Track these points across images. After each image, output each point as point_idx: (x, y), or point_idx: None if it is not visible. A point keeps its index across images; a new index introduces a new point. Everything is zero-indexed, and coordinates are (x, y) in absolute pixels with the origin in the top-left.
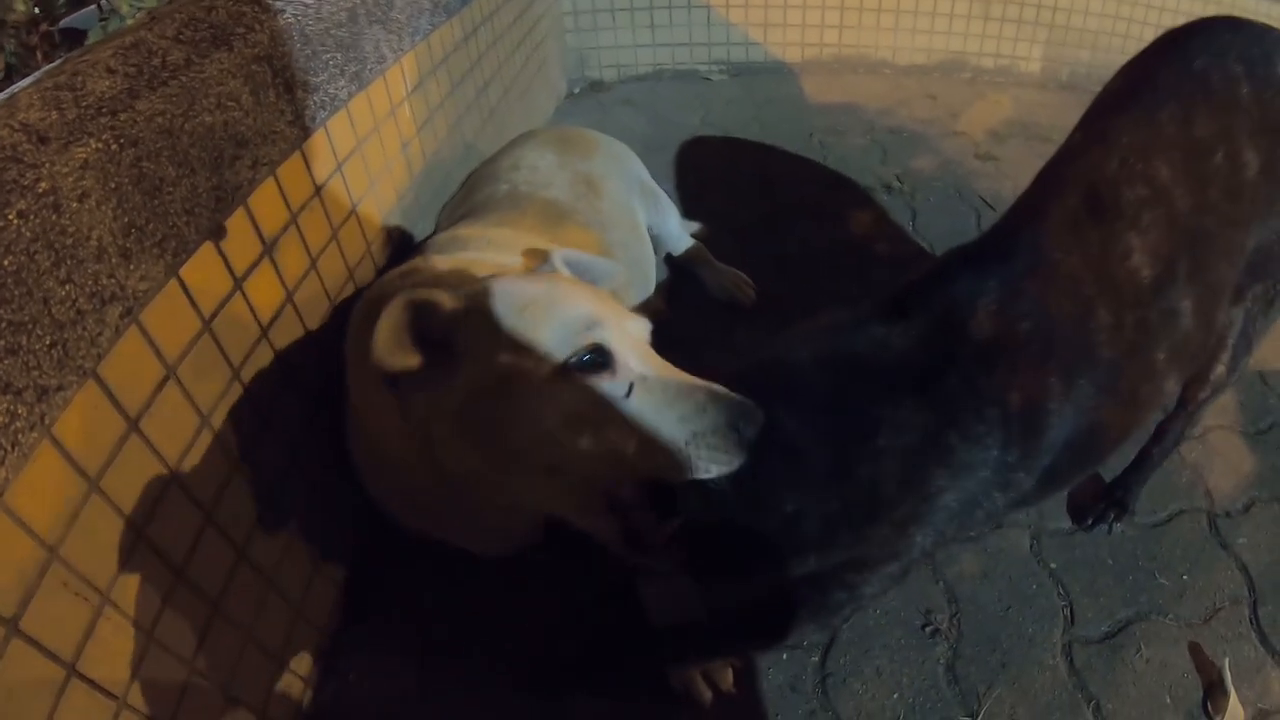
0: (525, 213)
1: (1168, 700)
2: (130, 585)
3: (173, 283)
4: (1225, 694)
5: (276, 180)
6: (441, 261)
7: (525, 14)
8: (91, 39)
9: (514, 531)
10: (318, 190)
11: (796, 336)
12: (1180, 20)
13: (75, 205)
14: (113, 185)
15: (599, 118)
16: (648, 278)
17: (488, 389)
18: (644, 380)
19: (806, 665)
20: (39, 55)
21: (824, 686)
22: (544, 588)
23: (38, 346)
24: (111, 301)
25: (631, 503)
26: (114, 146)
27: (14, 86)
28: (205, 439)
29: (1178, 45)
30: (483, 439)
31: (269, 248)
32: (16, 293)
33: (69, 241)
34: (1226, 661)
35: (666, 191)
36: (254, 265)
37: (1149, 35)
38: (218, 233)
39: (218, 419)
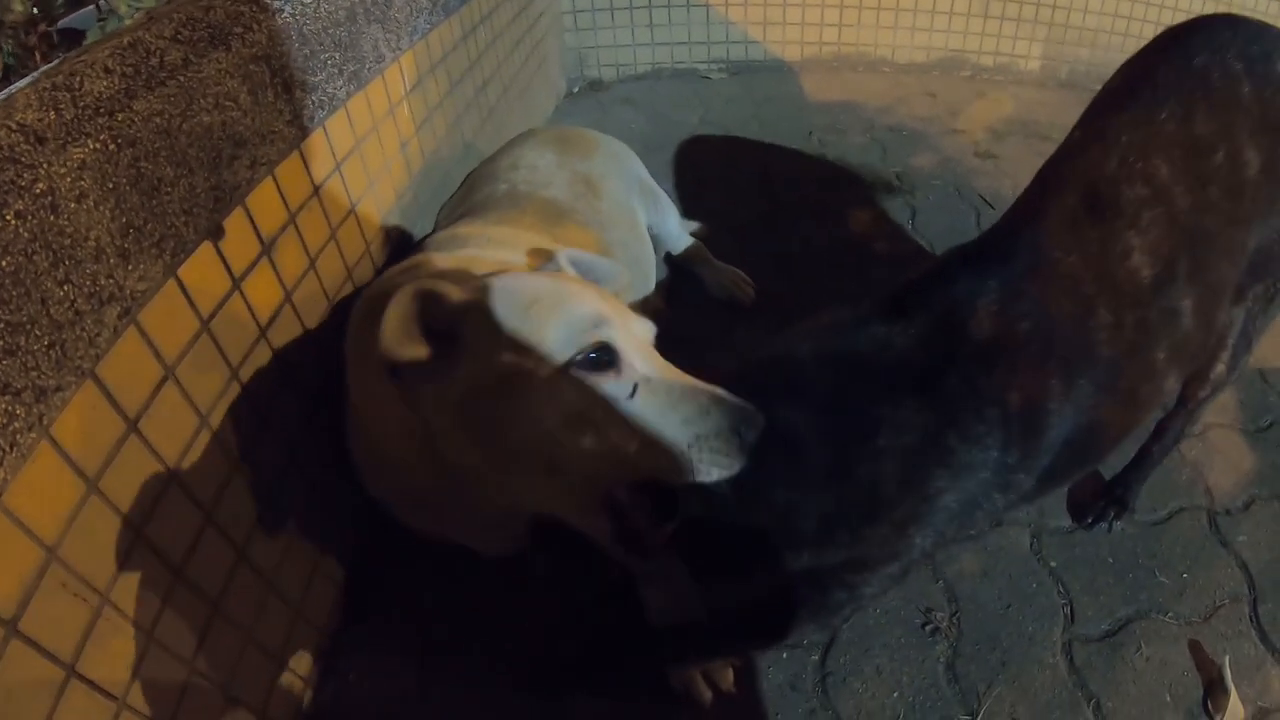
0: (525, 212)
1: (1168, 698)
2: (129, 586)
3: (171, 283)
4: (1225, 692)
5: (275, 180)
6: (444, 258)
7: (524, 13)
8: (90, 39)
9: (514, 531)
10: (316, 190)
11: (797, 335)
12: (1180, 18)
13: (73, 206)
14: (110, 185)
15: (598, 117)
16: (647, 277)
17: (490, 383)
18: (648, 382)
19: (806, 664)
20: (37, 56)
21: (824, 685)
22: (544, 588)
23: (36, 347)
24: (110, 302)
25: (628, 504)
26: (112, 147)
27: (12, 87)
28: (204, 439)
29: (1177, 43)
30: (484, 434)
31: (267, 247)
32: (14, 293)
33: (67, 242)
34: (1227, 659)
35: (666, 190)
36: (252, 265)
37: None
38: (216, 233)
39: (216, 419)
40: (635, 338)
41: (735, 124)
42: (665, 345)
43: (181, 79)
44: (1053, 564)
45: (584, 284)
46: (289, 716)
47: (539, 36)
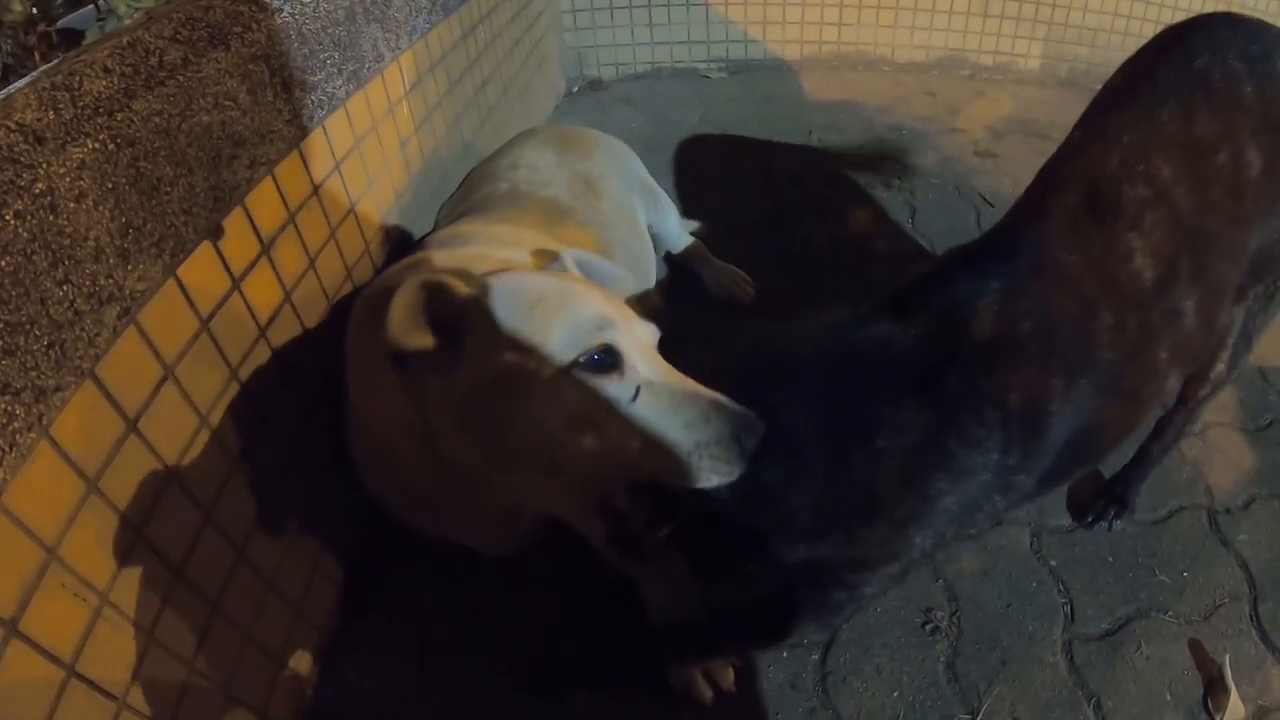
0: (526, 211)
1: (1168, 697)
2: (129, 585)
3: (170, 282)
4: (1225, 691)
5: (274, 180)
6: (446, 256)
7: (523, 12)
8: (89, 39)
9: (514, 530)
10: (316, 189)
11: (800, 330)
12: (1179, 17)
13: (72, 205)
14: (110, 185)
15: (598, 116)
16: (648, 276)
17: (492, 381)
18: (650, 385)
19: (807, 663)
20: (36, 56)
21: (824, 685)
22: (544, 588)
23: (35, 347)
24: (109, 302)
25: (625, 507)
26: (111, 146)
27: (11, 87)
28: (203, 438)
29: (1178, 43)
30: (484, 433)
31: (267, 247)
32: (14, 293)
33: (66, 242)
34: (1227, 658)
35: (665, 190)
36: (252, 265)
37: (1148, 32)
38: (215, 232)
39: (216, 418)
40: (639, 341)
41: (735, 123)
42: (665, 345)
43: (181, 79)
44: (1053, 563)
45: (589, 285)
46: (289, 716)
47: (538, 36)
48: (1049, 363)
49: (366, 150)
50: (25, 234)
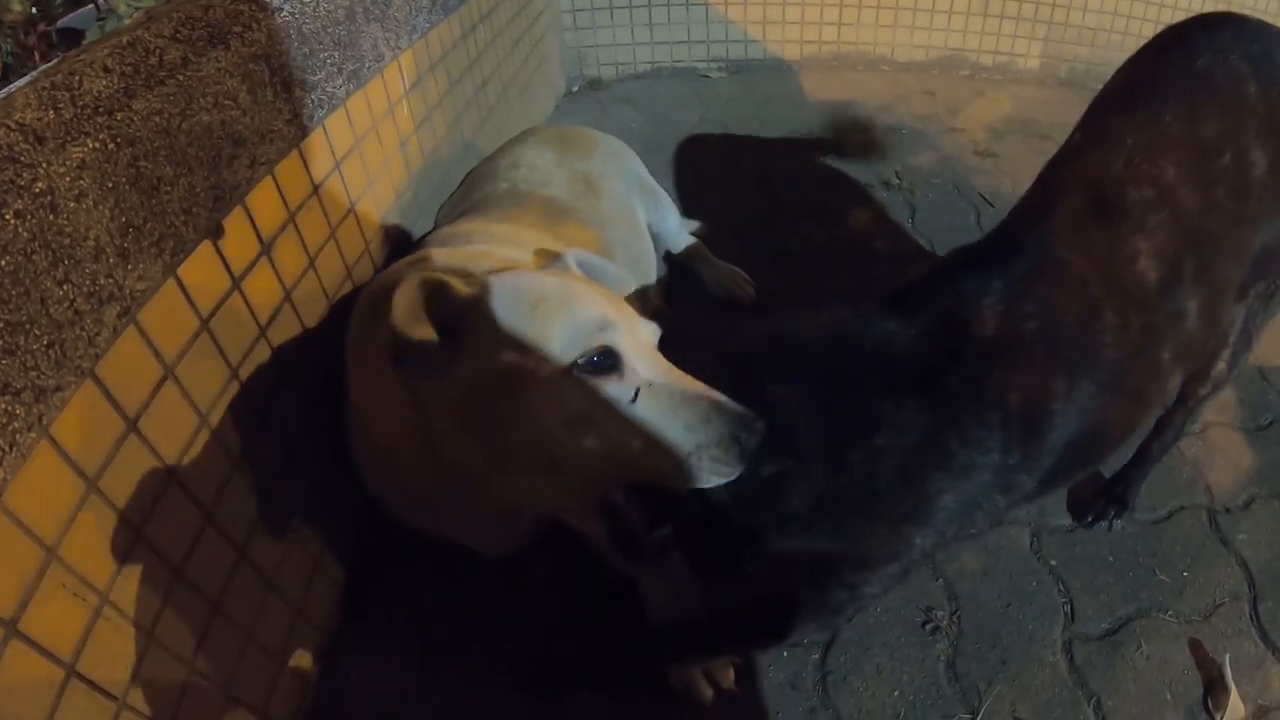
0: (526, 210)
1: (1168, 697)
2: (130, 585)
3: (171, 282)
4: (1226, 690)
5: (274, 179)
6: (447, 254)
7: (523, 11)
8: (89, 39)
9: (514, 530)
10: (316, 189)
11: (801, 327)
12: (1179, 17)
13: (72, 205)
14: (110, 185)
15: (598, 116)
16: (648, 275)
17: (492, 381)
18: (650, 386)
19: (807, 663)
20: (36, 55)
21: (824, 684)
22: (544, 588)
23: (35, 346)
24: (109, 301)
25: (624, 507)
26: (111, 146)
27: (11, 86)
28: (203, 438)
29: (1180, 43)
30: (484, 433)
31: (267, 247)
32: (14, 293)
33: (66, 241)
34: (1227, 658)
35: (665, 189)
36: (252, 264)
37: (1148, 31)
38: (216, 232)
39: (216, 418)
40: (639, 341)
41: (735, 123)
42: (665, 343)
43: (181, 78)
44: (1053, 563)
45: (589, 284)
46: (289, 716)
47: (538, 35)
48: (1051, 363)
49: (366, 150)
50: (25, 233)
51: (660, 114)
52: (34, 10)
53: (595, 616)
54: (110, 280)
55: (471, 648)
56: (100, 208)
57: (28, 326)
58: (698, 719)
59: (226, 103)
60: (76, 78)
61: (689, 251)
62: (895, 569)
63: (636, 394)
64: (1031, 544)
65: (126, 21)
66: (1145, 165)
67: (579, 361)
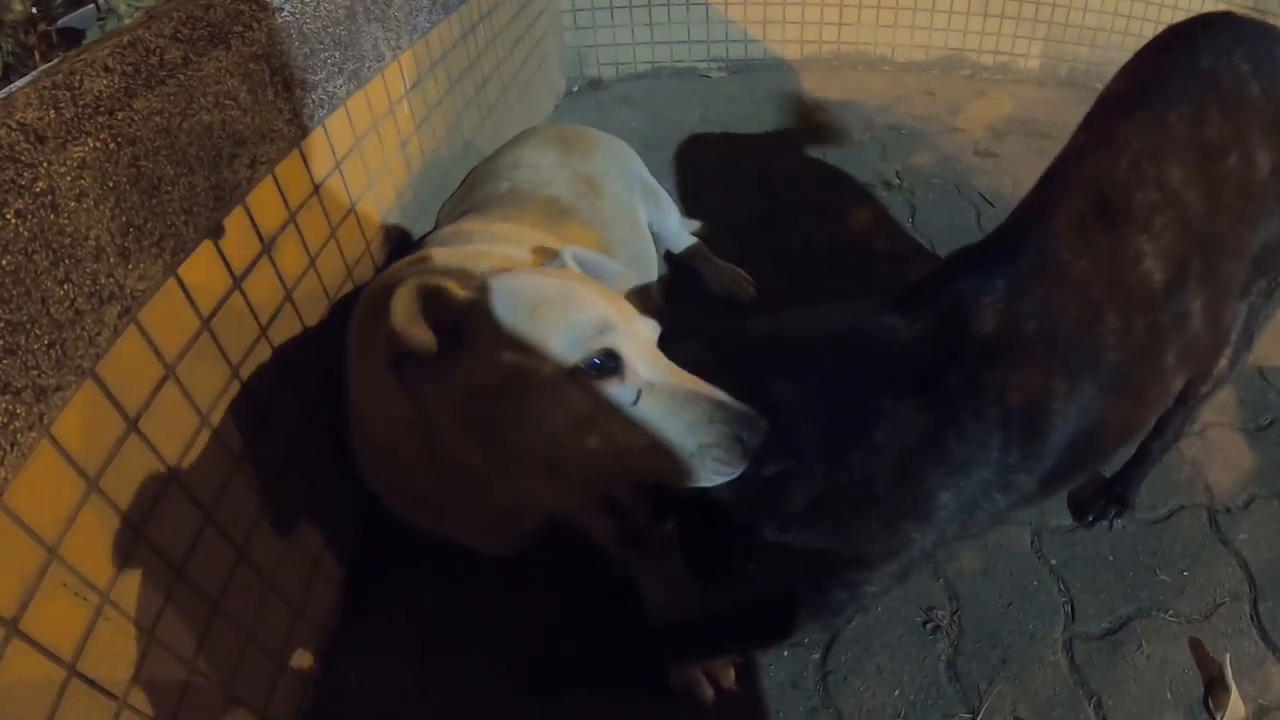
0: (527, 210)
1: (1168, 696)
2: (130, 585)
3: (171, 282)
4: (1226, 690)
5: (275, 179)
6: (448, 253)
7: (523, 11)
8: (89, 38)
9: (514, 530)
10: (316, 189)
11: (802, 324)
12: (1180, 17)
13: (73, 204)
14: (110, 184)
15: (598, 115)
16: (649, 275)
17: (493, 384)
18: (652, 387)
19: (808, 662)
20: (36, 55)
21: (825, 684)
22: (544, 588)
23: (36, 346)
24: (110, 301)
25: (629, 504)
26: (112, 145)
27: (12, 86)
28: (204, 438)
29: (1182, 44)
30: (485, 434)
31: (267, 246)
32: (15, 292)
33: (67, 241)
34: (1227, 657)
35: (666, 189)
36: (253, 264)
37: (1149, 31)
38: (216, 231)
39: (217, 418)
40: (640, 340)
41: (735, 122)
42: (665, 342)
43: (181, 78)
44: (1053, 562)
45: (588, 283)
46: (289, 716)
47: (538, 35)
48: (1051, 363)
49: (367, 149)
50: (26, 233)
51: (660, 114)
52: (34, 10)
53: (595, 616)
54: (111, 280)
55: (471, 648)
56: (101, 207)
57: (28, 326)
58: (698, 719)
59: (227, 102)
60: (77, 77)
61: (690, 251)
62: (895, 568)
63: (638, 395)
64: (1032, 543)
65: (127, 21)
66: (1149, 168)
67: (581, 364)
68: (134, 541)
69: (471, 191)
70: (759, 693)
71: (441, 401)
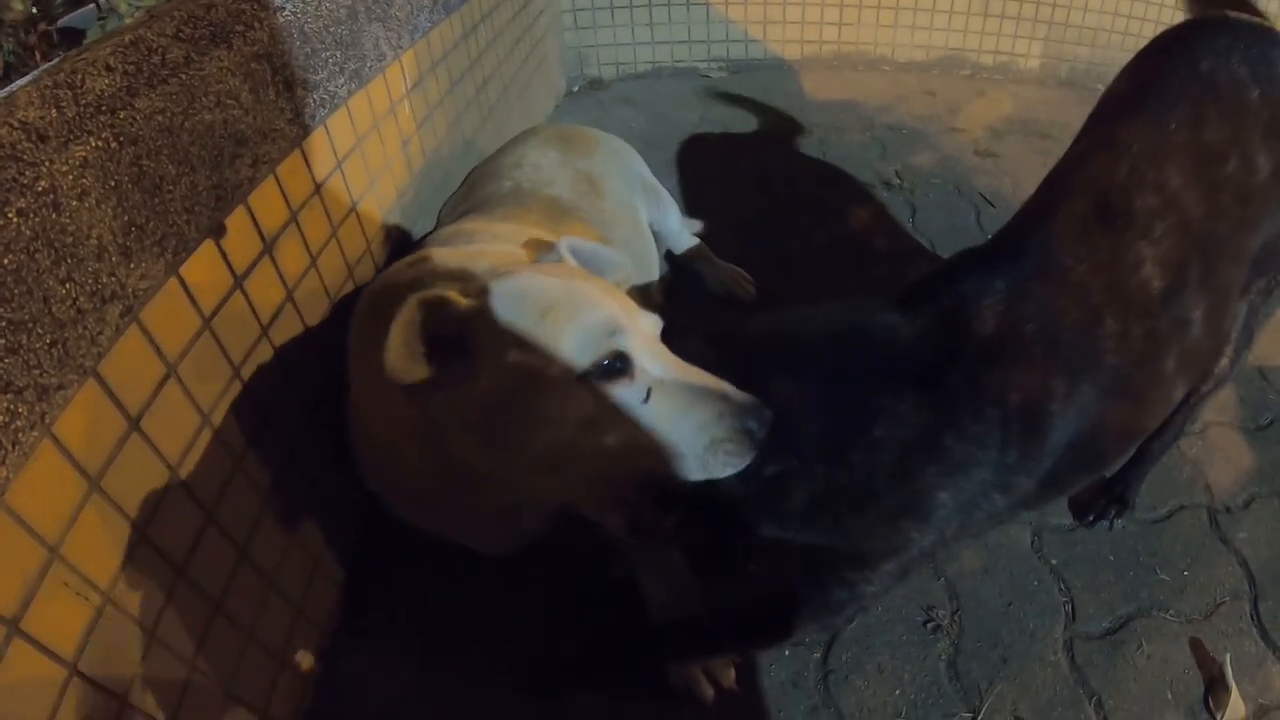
0: (529, 209)
1: (1169, 696)
2: (132, 584)
3: (173, 281)
4: (1226, 689)
5: (276, 178)
6: (448, 253)
7: (524, 11)
8: (90, 38)
9: (514, 530)
10: (318, 188)
11: (804, 321)
12: (1180, 17)
13: (75, 204)
14: (112, 183)
15: (598, 115)
16: (650, 274)
17: (501, 390)
18: (661, 384)
19: (808, 662)
20: (37, 55)
21: (826, 683)
22: (544, 588)
23: (38, 345)
24: (112, 300)
25: (637, 497)
26: (113, 145)
27: (13, 85)
28: (206, 437)
29: (1180, 46)
30: (496, 437)
31: (269, 246)
32: (16, 291)
33: (69, 240)
34: (1227, 657)
35: (666, 189)
36: (254, 263)
37: (1148, 31)
38: (218, 231)
39: (218, 417)
40: (644, 335)
41: (735, 122)
42: (666, 341)
43: (183, 77)
44: (1054, 562)
45: (590, 280)
46: (290, 715)
47: (539, 35)
48: (1051, 365)
49: (368, 149)
50: (28, 232)
51: (660, 113)
52: (35, 9)
53: (595, 616)
54: (113, 279)
55: (471, 648)
56: (103, 206)
57: (30, 325)
58: (698, 718)
59: (229, 102)
60: (79, 76)
61: (690, 251)
62: (895, 567)
63: (648, 394)
64: (1032, 543)
65: (128, 20)
66: (1149, 171)
67: (591, 367)
68: (135, 541)
69: (473, 191)
70: (759, 692)
71: (449, 408)
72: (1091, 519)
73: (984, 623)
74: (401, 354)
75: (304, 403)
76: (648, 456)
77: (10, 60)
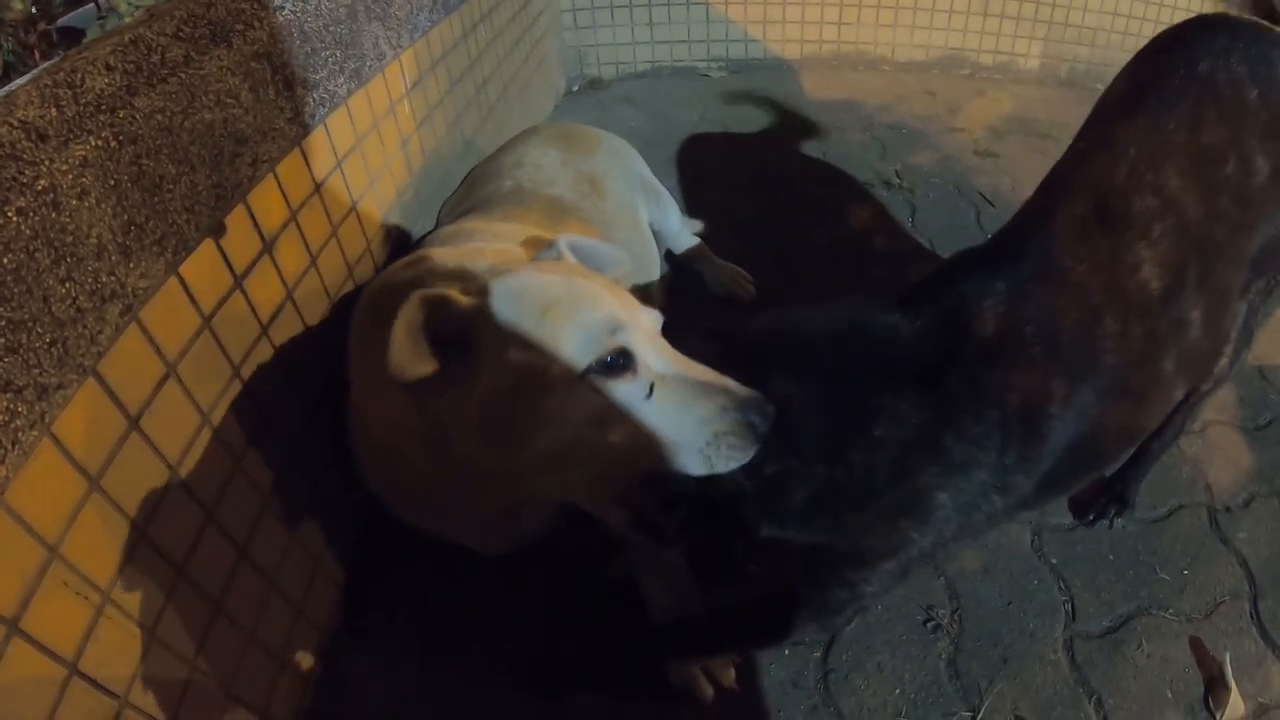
0: (530, 209)
1: (1169, 695)
2: (132, 584)
3: (173, 280)
4: (1226, 688)
5: (276, 178)
6: (448, 252)
7: (524, 11)
8: (90, 37)
9: (514, 530)
10: (317, 187)
11: (805, 320)
12: (1180, 17)
13: (75, 203)
14: (112, 183)
15: (598, 115)
16: (650, 274)
17: (504, 389)
18: (663, 380)
19: (808, 661)
20: (36, 54)
21: (826, 682)
22: (544, 588)
23: (38, 344)
24: (111, 299)
25: (641, 495)
26: (113, 144)
27: (13, 84)
28: (206, 437)
29: (1179, 46)
30: (498, 435)
31: (269, 245)
32: (16, 290)
33: (68, 239)
34: (1227, 656)
35: (666, 188)
36: (254, 263)
37: (1148, 31)
38: (218, 230)
39: (218, 417)
40: (645, 331)
41: (735, 122)
42: (667, 338)
43: (183, 76)
44: (1054, 561)
45: (590, 277)
46: (290, 715)
47: (539, 35)
48: (1051, 366)
49: (368, 148)
50: (28, 231)
51: (660, 113)
52: (34, 9)
53: (595, 616)
54: (112, 278)
55: (471, 648)
56: (102, 205)
57: (30, 324)
58: (698, 718)
59: (228, 101)
60: (79, 75)
61: (690, 251)
62: (894, 567)
63: (651, 389)
64: (1032, 542)
65: (127, 20)
66: (1148, 173)
67: (594, 365)
68: (135, 540)
69: (473, 190)
70: (759, 691)
71: (450, 408)
72: (1091, 518)
73: (984, 622)
74: (405, 351)
75: (304, 403)
76: (651, 453)
77: (10, 59)
